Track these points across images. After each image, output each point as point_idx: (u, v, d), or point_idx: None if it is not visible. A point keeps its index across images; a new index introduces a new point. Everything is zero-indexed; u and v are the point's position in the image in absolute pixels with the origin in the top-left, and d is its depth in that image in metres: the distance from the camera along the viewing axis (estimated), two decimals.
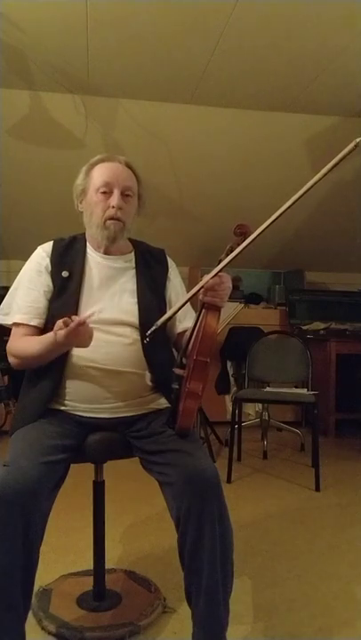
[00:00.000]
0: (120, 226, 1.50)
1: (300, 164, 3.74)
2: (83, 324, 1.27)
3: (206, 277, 1.31)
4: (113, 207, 1.48)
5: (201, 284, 1.31)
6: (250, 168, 3.84)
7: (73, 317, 1.28)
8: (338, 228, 4.45)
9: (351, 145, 1.17)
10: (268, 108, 3.42)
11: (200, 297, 1.33)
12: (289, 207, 1.24)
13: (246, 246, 1.30)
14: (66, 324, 1.27)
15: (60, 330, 1.28)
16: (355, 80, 3.08)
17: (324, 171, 1.19)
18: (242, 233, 1.34)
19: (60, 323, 1.28)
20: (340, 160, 1.18)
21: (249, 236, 1.30)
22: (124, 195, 1.50)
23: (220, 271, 1.31)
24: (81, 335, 1.30)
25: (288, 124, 3.53)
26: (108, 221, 1.49)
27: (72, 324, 1.26)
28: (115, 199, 1.48)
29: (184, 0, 2.40)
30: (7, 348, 1.48)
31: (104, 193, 1.49)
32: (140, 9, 2.46)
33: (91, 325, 1.44)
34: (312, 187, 1.21)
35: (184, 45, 2.74)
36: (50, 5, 2.45)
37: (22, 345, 1.46)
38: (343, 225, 4.42)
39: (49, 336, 1.36)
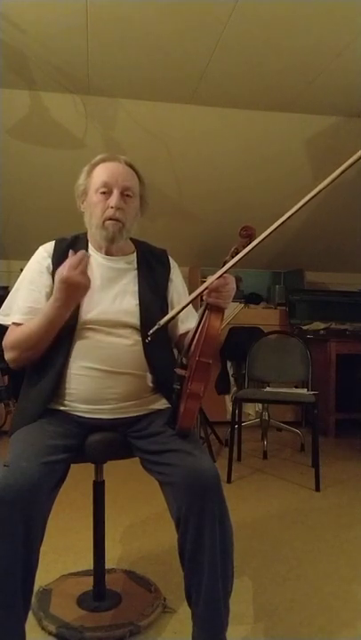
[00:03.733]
0: (119, 226, 1.49)
1: (300, 164, 3.74)
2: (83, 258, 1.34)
3: (211, 278, 1.31)
4: (112, 207, 1.48)
5: (205, 284, 1.31)
6: (250, 168, 3.84)
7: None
8: (338, 228, 4.46)
9: None
10: (268, 108, 3.42)
11: (204, 297, 1.33)
12: (297, 211, 1.23)
13: (252, 249, 1.29)
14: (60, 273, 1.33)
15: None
16: (355, 80, 3.08)
17: (335, 174, 1.19)
18: (247, 235, 1.33)
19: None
20: (350, 166, 1.18)
21: (254, 238, 1.30)
22: (123, 195, 1.49)
23: (224, 273, 1.31)
24: (81, 274, 1.33)
25: (288, 124, 3.53)
26: (107, 222, 1.49)
27: (77, 256, 1.33)
28: (114, 199, 1.48)
29: (184, 0, 2.40)
30: (3, 343, 1.46)
31: (103, 193, 1.49)
32: (139, 9, 2.47)
33: (91, 326, 1.45)
34: (320, 192, 1.21)
35: (184, 45, 2.74)
36: (50, 5, 2.45)
37: (22, 328, 1.44)
38: (343, 225, 4.42)
39: (50, 300, 1.39)
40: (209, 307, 1.32)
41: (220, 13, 2.48)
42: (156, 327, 1.37)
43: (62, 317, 1.40)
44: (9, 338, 1.47)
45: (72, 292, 1.36)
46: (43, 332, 1.40)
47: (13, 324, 1.48)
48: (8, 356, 1.47)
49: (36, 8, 2.47)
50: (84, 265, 1.35)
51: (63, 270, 1.34)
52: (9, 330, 1.48)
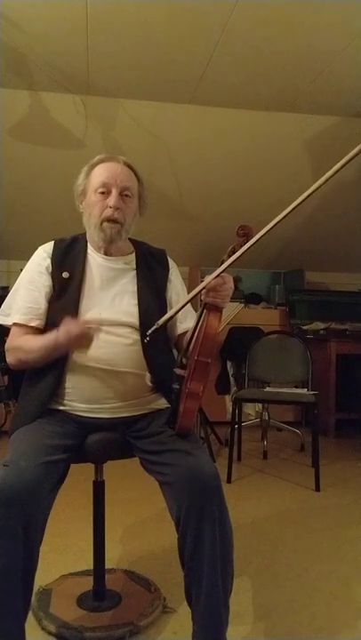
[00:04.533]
0: (117, 228, 1.50)
1: (299, 164, 3.74)
2: (79, 332, 1.30)
3: (208, 278, 1.31)
4: (110, 207, 1.48)
5: (203, 284, 1.31)
6: (250, 168, 3.84)
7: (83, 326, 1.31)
8: (338, 228, 4.46)
9: (359, 146, 1.16)
10: (267, 108, 3.42)
11: (202, 297, 1.33)
12: (293, 209, 1.23)
13: (249, 248, 1.29)
14: (66, 325, 1.30)
15: (61, 331, 1.31)
16: (355, 80, 3.08)
17: (330, 172, 1.19)
18: (244, 234, 1.34)
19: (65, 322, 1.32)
20: (348, 162, 1.17)
21: (252, 237, 1.30)
22: (122, 195, 1.50)
23: (222, 272, 1.31)
24: (82, 337, 1.31)
25: (288, 125, 3.53)
26: (105, 223, 1.49)
27: (76, 324, 1.29)
28: (112, 199, 1.48)
29: (184, 0, 2.40)
30: (6, 346, 1.48)
31: (102, 193, 1.49)
32: (139, 9, 2.46)
33: (92, 326, 1.45)
34: (318, 189, 1.21)
35: (184, 45, 2.74)
36: (50, 6, 2.45)
37: (22, 342, 1.45)
38: (343, 225, 4.42)
39: (51, 334, 1.37)
40: (207, 306, 1.32)
41: (220, 13, 2.48)
42: (154, 327, 1.37)
43: (62, 353, 1.42)
44: (11, 342, 1.48)
45: (71, 348, 1.39)
46: (41, 358, 1.42)
47: (14, 324, 1.49)
48: (8, 359, 1.49)
49: (36, 8, 2.47)
50: (87, 330, 1.34)
51: (65, 332, 1.32)
52: (11, 332, 1.50)
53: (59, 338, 1.33)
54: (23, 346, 1.44)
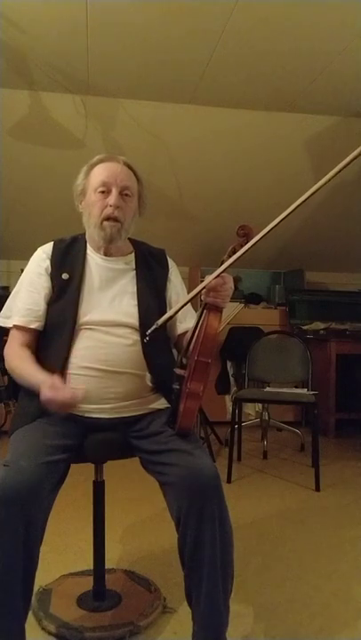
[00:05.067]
0: (117, 227, 1.50)
1: (299, 164, 3.74)
2: (68, 402, 1.25)
3: (209, 278, 1.31)
4: (110, 206, 1.48)
5: (203, 284, 1.31)
6: (250, 168, 3.84)
7: (74, 396, 1.25)
8: (338, 229, 4.46)
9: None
10: (267, 108, 3.42)
11: (202, 297, 1.33)
12: (295, 209, 1.23)
13: (249, 248, 1.29)
14: (54, 388, 1.26)
15: (47, 387, 1.27)
16: (354, 80, 3.08)
17: (332, 172, 1.19)
18: (245, 234, 1.34)
19: (51, 382, 1.28)
20: (350, 162, 1.17)
21: (252, 237, 1.30)
22: (122, 194, 1.50)
23: (222, 272, 1.31)
24: (64, 405, 1.27)
25: (288, 125, 3.53)
26: (105, 222, 1.49)
27: (59, 395, 1.25)
28: (112, 198, 1.48)
29: (184, 0, 2.41)
30: (5, 348, 1.49)
31: (102, 192, 1.49)
32: (139, 9, 2.47)
33: (90, 327, 1.46)
34: (319, 189, 1.21)
35: (184, 45, 2.74)
36: (50, 6, 2.45)
37: (17, 364, 1.45)
38: (343, 225, 4.42)
39: (40, 376, 1.35)
40: (207, 306, 1.32)
41: (220, 13, 2.48)
42: (153, 327, 1.37)
43: None
44: (10, 351, 1.48)
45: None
46: (30, 386, 1.40)
47: (14, 326, 1.49)
48: (7, 365, 1.49)
49: (36, 8, 2.47)
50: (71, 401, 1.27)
51: (48, 398, 1.26)
52: (11, 336, 1.50)
53: (42, 395, 1.27)
54: (17, 370, 1.45)
